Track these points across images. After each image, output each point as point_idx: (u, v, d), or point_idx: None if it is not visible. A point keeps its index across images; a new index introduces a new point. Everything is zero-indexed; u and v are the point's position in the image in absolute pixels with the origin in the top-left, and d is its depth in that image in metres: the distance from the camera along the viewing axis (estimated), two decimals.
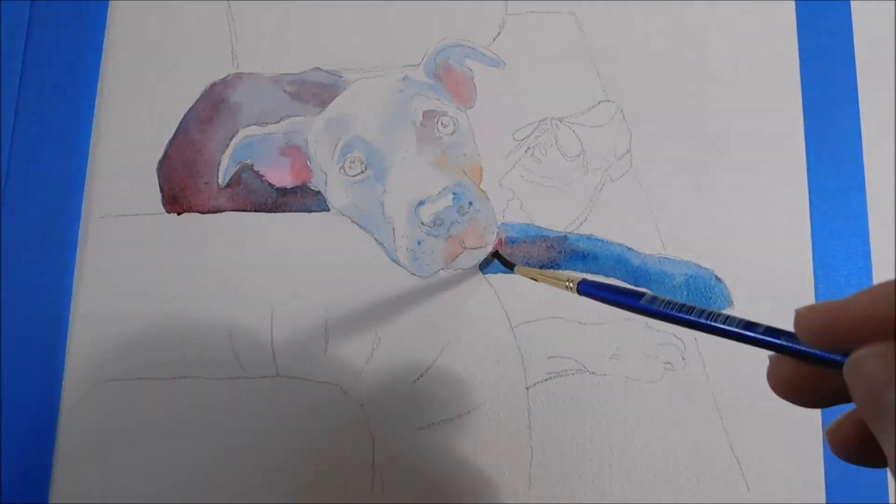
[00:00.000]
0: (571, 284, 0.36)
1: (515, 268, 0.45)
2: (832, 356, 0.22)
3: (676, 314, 0.27)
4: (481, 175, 0.48)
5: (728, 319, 0.25)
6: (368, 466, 0.45)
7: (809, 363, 0.23)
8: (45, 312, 0.46)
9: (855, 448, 0.22)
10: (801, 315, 0.22)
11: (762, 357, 0.49)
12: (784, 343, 0.23)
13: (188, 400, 0.45)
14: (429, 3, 0.51)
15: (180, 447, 0.45)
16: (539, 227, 0.48)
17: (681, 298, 0.47)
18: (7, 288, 0.46)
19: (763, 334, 0.24)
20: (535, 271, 0.43)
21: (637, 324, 0.47)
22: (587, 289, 0.34)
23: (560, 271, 0.41)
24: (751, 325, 0.24)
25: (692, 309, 0.27)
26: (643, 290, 0.30)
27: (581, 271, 0.47)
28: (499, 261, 0.46)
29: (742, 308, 0.47)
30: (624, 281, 0.47)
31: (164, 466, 0.44)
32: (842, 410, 0.23)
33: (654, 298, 0.29)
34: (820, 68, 0.51)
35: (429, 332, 0.46)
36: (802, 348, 0.22)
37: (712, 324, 0.26)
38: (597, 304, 0.47)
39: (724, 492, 0.45)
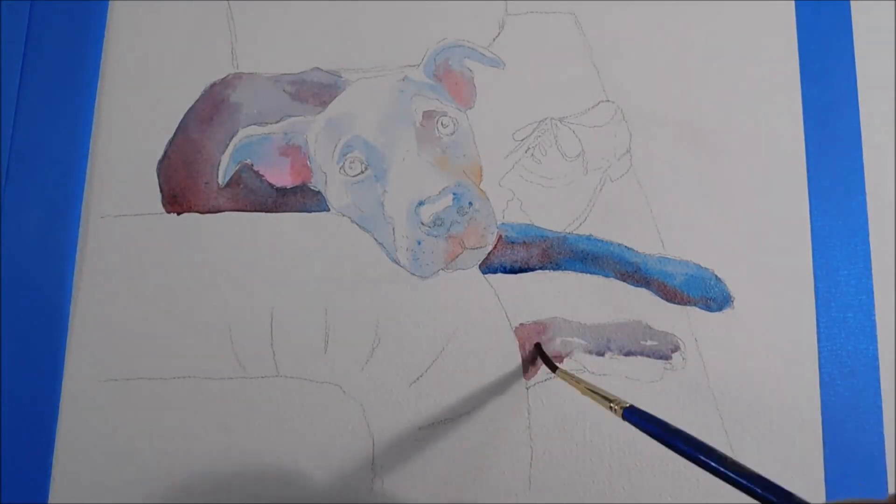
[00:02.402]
0: (617, 408, 0.34)
1: (557, 371, 0.43)
2: None
3: (716, 465, 0.27)
4: (481, 175, 0.48)
5: (764, 484, 0.25)
6: (368, 466, 0.45)
7: None
8: (45, 312, 0.46)
9: None
10: None
11: (762, 358, 0.49)
12: None
13: (188, 400, 0.45)
14: (429, 3, 0.51)
15: (180, 447, 0.45)
16: (539, 227, 0.48)
17: (680, 298, 0.47)
18: (7, 288, 0.46)
19: None
20: (578, 382, 0.40)
21: (637, 324, 0.47)
22: (633, 417, 0.33)
23: (605, 391, 0.37)
24: (785, 495, 0.25)
25: (734, 466, 0.27)
26: (687, 432, 0.30)
27: (581, 272, 0.47)
28: (542, 359, 0.45)
29: (742, 307, 0.47)
30: (624, 280, 0.47)
31: (163, 466, 0.44)
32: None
33: (701, 446, 0.28)
34: (820, 68, 0.51)
35: (429, 332, 0.46)
36: None
37: (747, 483, 0.26)
38: (595, 305, 0.47)
39: (724, 492, 0.45)
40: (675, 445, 0.29)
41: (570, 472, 0.45)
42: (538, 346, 0.46)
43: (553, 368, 0.43)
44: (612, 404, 0.35)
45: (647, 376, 0.46)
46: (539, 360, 0.46)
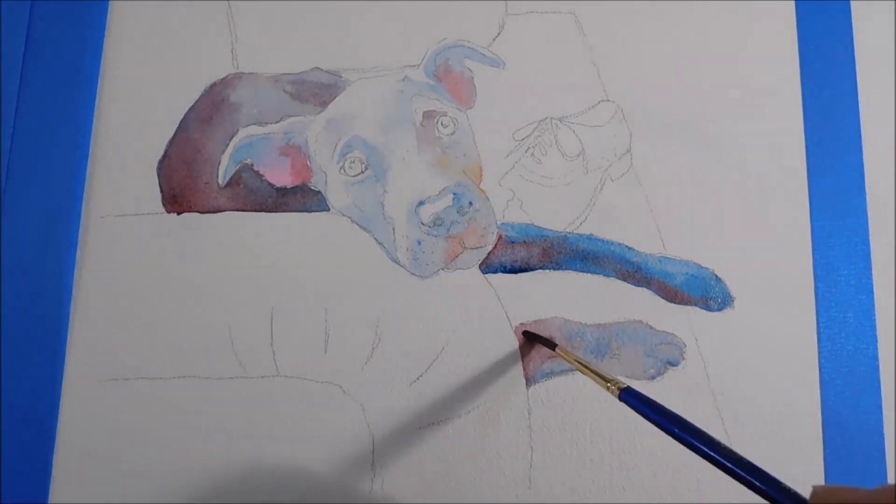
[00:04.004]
0: (614, 388, 0.34)
1: (557, 348, 0.43)
2: None
3: (709, 451, 0.27)
4: (481, 175, 0.48)
5: (754, 471, 0.25)
6: (368, 466, 0.45)
7: None
8: (45, 312, 0.46)
9: None
10: (818, 493, 0.22)
11: (762, 358, 0.49)
12: None
13: (188, 400, 0.45)
14: (429, 3, 0.51)
15: (180, 447, 0.45)
16: (539, 226, 0.48)
17: (681, 297, 0.47)
18: (7, 288, 0.46)
19: (782, 495, 0.24)
20: (577, 360, 0.41)
21: (638, 324, 0.47)
22: (630, 399, 0.33)
23: (602, 371, 0.37)
24: (773, 483, 0.25)
25: (728, 453, 0.27)
26: (683, 417, 0.30)
27: (581, 271, 0.47)
28: (538, 342, 0.45)
29: (742, 307, 0.47)
30: (624, 280, 0.47)
31: (164, 466, 0.44)
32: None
33: (696, 431, 0.28)
34: (820, 68, 0.51)
35: (429, 332, 0.46)
36: None
37: (737, 470, 0.26)
38: (595, 304, 0.47)
39: (724, 492, 0.45)
40: (671, 430, 0.29)
41: (570, 472, 0.45)
42: (527, 333, 0.46)
43: (552, 346, 0.44)
44: (609, 384, 0.35)
45: (646, 376, 0.46)
46: (533, 352, 0.46)
